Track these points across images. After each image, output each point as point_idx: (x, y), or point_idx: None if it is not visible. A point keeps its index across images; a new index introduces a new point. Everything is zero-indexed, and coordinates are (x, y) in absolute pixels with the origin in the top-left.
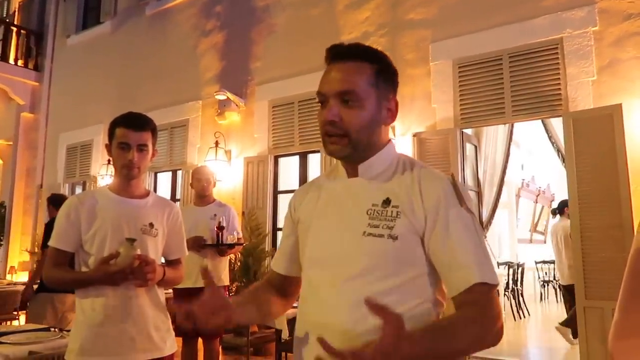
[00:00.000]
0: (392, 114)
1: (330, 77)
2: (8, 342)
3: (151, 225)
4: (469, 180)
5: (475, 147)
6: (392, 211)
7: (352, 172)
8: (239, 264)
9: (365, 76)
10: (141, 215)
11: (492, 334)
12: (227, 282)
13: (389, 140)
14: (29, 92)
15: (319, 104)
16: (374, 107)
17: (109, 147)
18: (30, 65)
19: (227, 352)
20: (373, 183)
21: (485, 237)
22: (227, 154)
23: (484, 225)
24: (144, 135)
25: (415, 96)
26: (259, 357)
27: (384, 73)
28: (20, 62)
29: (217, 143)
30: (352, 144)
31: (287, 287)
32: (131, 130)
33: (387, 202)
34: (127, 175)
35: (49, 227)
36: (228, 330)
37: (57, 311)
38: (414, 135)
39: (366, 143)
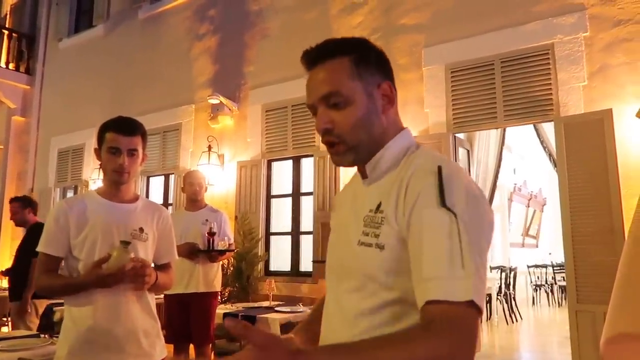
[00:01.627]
0: (389, 99)
1: (312, 84)
2: None
3: (141, 230)
4: None
5: (468, 151)
6: (378, 217)
7: (364, 173)
8: (231, 268)
9: (344, 71)
10: (131, 220)
11: None
12: (219, 288)
13: (402, 128)
14: (20, 95)
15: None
16: (364, 99)
17: (98, 152)
18: (22, 69)
19: (219, 358)
20: (376, 185)
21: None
22: (220, 158)
23: None
24: (134, 139)
25: (408, 101)
26: None
27: (364, 59)
28: (11, 66)
29: (210, 147)
30: (352, 149)
31: None
32: (121, 135)
33: (379, 207)
34: (117, 180)
35: (34, 233)
36: (220, 336)
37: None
38: None
39: (368, 140)
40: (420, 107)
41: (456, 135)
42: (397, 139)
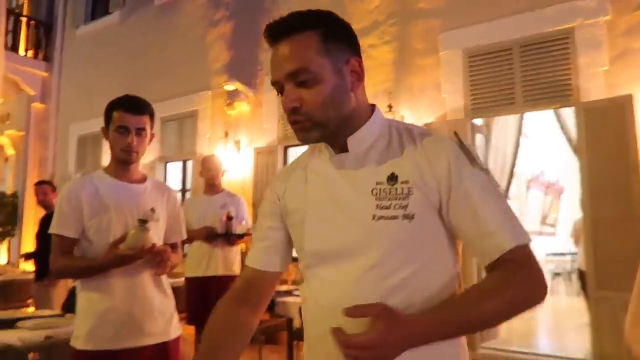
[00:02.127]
0: (358, 75)
1: (277, 60)
2: (25, 327)
3: (153, 210)
4: None
5: (486, 137)
6: (402, 188)
7: (339, 149)
8: None
9: (312, 46)
10: (142, 200)
11: (535, 292)
12: (238, 272)
13: (373, 105)
14: (39, 82)
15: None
16: (333, 76)
17: (105, 131)
18: (40, 56)
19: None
20: (369, 158)
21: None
22: (237, 144)
23: None
24: (142, 118)
25: (425, 86)
26: (270, 345)
27: (333, 34)
28: (30, 53)
29: (226, 133)
30: (319, 126)
31: (260, 288)
32: (130, 114)
33: (393, 177)
34: (125, 159)
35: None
36: None
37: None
38: (424, 125)
39: (337, 118)
40: (437, 92)
41: (474, 121)
42: (376, 116)
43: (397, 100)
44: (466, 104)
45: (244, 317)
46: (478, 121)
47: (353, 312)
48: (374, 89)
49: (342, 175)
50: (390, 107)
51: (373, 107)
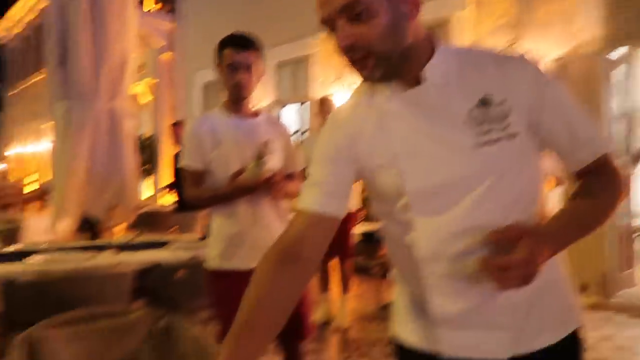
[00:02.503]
0: (415, 3)
1: None
2: (173, 248)
3: (268, 142)
4: (618, 109)
5: (628, 71)
6: (499, 109)
7: (407, 83)
8: (365, 192)
9: None
10: (258, 133)
11: (626, 192)
12: (352, 209)
13: (431, 35)
14: (166, 34)
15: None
16: (387, 7)
17: (219, 68)
18: (166, 9)
19: (356, 273)
20: (449, 86)
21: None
22: (349, 87)
23: (637, 160)
24: (250, 55)
25: (553, 18)
26: (389, 279)
27: None
28: (157, 7)
29: (338, 76)
30: (381, 61)
31: (316, 239)
32: (238, 51)
33: (486, 101)
34: (237, 95)
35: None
36: (359, 252)
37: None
38: (554, 61)
39: (398, 50)
40: (568, 24)
41: (613, 53)
42: (442, 42)
43: (521, 34)
44: (603, 34)
45: (291, 283)
46: (618, 52)
47: (496, 236)
48: (492, 23)
49: (426, 109)
50: (513, 41)
51: (432, 36)
